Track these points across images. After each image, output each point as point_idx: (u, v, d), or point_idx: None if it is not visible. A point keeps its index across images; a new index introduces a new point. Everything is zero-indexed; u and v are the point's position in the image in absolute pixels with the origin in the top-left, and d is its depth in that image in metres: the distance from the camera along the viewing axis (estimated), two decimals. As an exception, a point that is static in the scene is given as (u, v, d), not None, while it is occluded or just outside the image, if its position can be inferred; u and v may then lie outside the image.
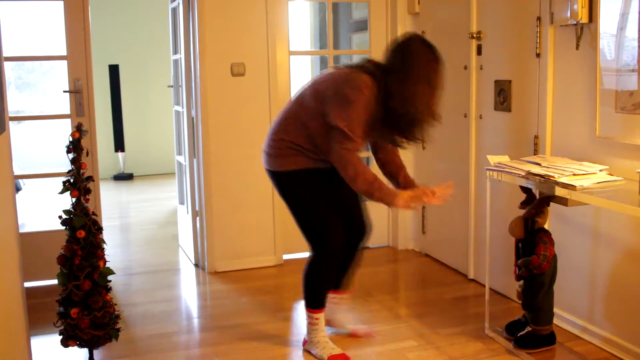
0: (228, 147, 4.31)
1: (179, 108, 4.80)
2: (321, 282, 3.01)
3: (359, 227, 3.15)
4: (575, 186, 2.61)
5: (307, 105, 2.90)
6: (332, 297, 3.21)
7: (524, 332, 3.04)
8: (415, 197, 2.81)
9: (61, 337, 2.80)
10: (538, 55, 3.33)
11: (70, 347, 2.83)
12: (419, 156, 4.61)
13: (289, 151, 2.91)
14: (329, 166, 2.92)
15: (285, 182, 2.97)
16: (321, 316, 3.04)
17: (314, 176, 2.96)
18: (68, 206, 2.79)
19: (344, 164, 2.77)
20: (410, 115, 2.76)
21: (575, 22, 3.00)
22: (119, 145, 8.16)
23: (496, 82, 3.70)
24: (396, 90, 2.75)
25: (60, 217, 2.78)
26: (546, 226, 3.10)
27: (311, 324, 3.04)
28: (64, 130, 3.81)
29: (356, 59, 5.99)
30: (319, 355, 3.01)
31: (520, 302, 3.07)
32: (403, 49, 2.81)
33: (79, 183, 2.78)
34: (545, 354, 2.99)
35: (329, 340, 3.05)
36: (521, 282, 3.02)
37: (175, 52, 4.81)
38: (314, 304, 3.02)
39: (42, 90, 8.33)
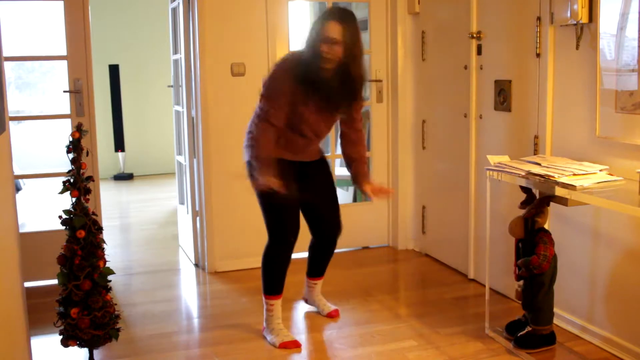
0: (228, 147, 4.31)
1: (179, 108, 4.80)
2: (274, 269, 3.19)
3: (331, 227, 3.33)
4: (575, 186, 2.61)
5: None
6: (309, 282, 3.53)
7: (524, 332, 3.04)
8: (273, 183, 2.97)
9: (61, 337, 2.80)
10: (538, 55, 3.33)
11: (70, 347, 2.83)
12: (419, 156, 4.61)
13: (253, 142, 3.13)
14: (296, 157, 3.14)
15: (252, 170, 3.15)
16: (276, 302, 3.22)
17: (282, 168, 3.05)
18: (68, 206, 2.79)
19: (252, 121, 3.07)
20: (324, 80, 2.96)
21: (575, 22, 3.00)
22: (119, 145, 8.16)
23: (496, 82, 3.70)
24: (307, 62, 2.97)
25: (60, 217, 2.78)
26: (546, 226, 3.10)
27: (268, 310, 3.24)
28: (64, 130, 3.81)
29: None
30: (273, 341, 3.17)
31: (519, 301, 3.07)
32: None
33: (79, 183, 2.78)
34: (545, 353, 2.99)
35: (283, 328, 3.22)
36: (520, 281, 3.02)
37: (176, 52, 4.82)
38: (269, 290, 3.21)
39: (42, 90, 8.33)
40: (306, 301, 3.61)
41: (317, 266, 3.47)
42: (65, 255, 2.76)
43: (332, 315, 3.48)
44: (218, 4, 4.19)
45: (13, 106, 7.86)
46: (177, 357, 3.10)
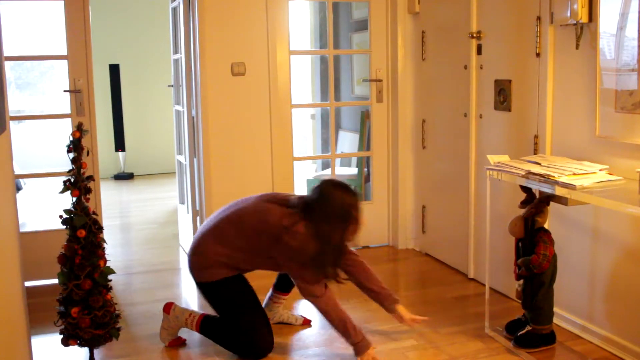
0: (228, 147, 4.31)
1: (179, 107, 4.81)
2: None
3: None
4: (575, 185, 2.61)
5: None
6: (276, 297, 3.40)
7: (524, 331, 3.04)
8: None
9: (62, 336, 2.81)
10: (538, 54, 3.33)
11: (70, 346, 2.83)
12: (419, 156, 4.61)
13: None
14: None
15: None
16: None
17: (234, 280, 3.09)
18: (68, 205, 2.79)
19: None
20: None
21: (575, 22, 3.00)
22: (120, 145, 8.16)
23: (496, 81, 3.71)
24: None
25: (60, 216, 2.78)
26: (546, 225, 3.10)
27: None
28: (64, 130, 3.82)
29: (356, 58, 6.04)
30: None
31: (519, 301, 3.07)
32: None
33: (80, 182, 2.78)
34: (545, 353, 3.00)
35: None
36: (520, 281, 3.02)
37: (176, 51, 4.82)
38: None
39: (43, 90, 8.33)
40: (270, 320, 3.25)
41: (289, 279, 3.33)
42: (65, 255, 2.76)
43: (308, 322, 3.41)
44: (218, 4, 4.19)
45: (13, 106, 7.86)
46: (177, 356, 3.10)
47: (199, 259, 3.07)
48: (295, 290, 3.26)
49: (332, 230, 2.89)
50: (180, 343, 3.19)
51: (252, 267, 3.11)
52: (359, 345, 2.89)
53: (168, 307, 3.18)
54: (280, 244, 2.91)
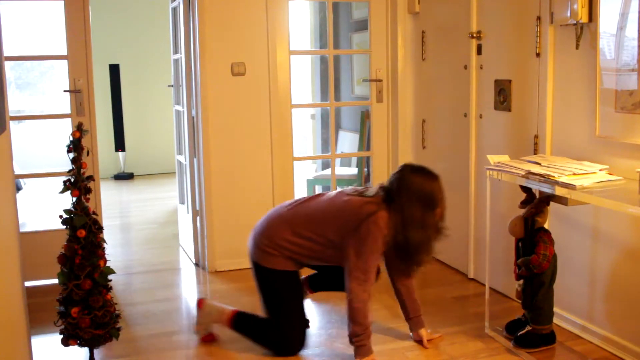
0: (228, 147, 4.31)
1: (179, 107, 4.81)
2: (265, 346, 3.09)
3: None
4: (575, 185, 2.61)
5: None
6: (305, 291, 3.35)
7: (524, 331, 3.04)
8: None
9: (62, 336, 2.81)
10: (538, 54, 3.33)
11: (70, 347, 2.83)
12: (419, 156, 4.61)
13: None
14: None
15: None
16: None
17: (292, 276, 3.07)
18: (68, 205, 2.79)
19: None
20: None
21: (575, 22, 3.00)
22: (120, 145, 8.17)
23: (496, 81, 3.71)
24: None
25: (60, 216, 2.78)
26: (546, 225, 3.10)
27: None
28: (64, 130, 3.82)
29: (356, 58, 6.03)
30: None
31: (519, 301, 3.07)
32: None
33: (80, 182, 2.78)
34: (545, 353, 3.00)
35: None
36: (520, 281, 3.02)
37: (176, 51, 4.82)
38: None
39: (43, 90, 8.34)
40: None
41: (327, 282, 3.32)
42: (65, 255, 2.76)
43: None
44: (218, 4, 4.19)
45: (13, 106, 7.86)
46: (177, 357, 3.10)
47: (264, 242, 3.01)
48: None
49: (419, 216, 2.84)
50: (212, 339, 3.21)
51: (318, 261, 3.06)
52: (364, 348, 2.88)
53: (201, 303, 3.22)
54: (357, 232, 2.83)
